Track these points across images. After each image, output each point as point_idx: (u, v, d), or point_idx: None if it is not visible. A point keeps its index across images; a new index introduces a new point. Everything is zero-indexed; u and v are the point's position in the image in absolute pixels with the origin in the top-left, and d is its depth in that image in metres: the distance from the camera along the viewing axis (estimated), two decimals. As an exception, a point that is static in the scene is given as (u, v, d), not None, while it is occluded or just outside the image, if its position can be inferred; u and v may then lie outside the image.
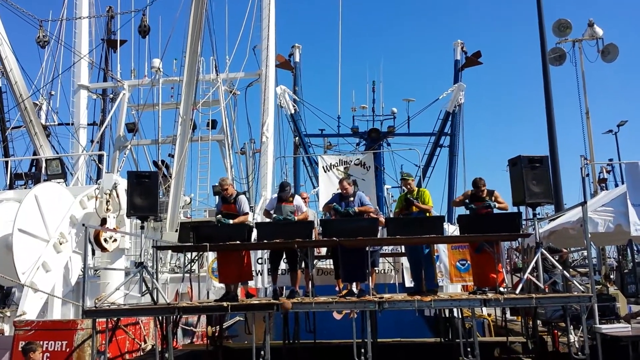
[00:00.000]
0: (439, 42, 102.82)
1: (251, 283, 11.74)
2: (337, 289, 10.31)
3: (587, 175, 20.69)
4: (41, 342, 8.76)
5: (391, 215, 13.04)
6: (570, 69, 20.20)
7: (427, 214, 9.84)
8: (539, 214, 9.36)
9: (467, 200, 9.55)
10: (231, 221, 9.48)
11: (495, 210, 9.38)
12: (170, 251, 15.14)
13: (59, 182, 13.85)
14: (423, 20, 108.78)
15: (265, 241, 9.17)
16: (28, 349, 8.23)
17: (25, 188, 19.42)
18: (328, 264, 11.42)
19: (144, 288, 9.23)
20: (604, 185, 26.01)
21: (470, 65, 26.57)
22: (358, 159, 16.85)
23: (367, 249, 8.88)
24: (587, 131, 19.62)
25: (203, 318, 12.92)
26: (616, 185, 23.53)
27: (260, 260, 12.22)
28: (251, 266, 10.12)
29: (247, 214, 9.82)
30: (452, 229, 12.66)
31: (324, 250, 10.94)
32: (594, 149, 19.63)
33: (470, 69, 26.76)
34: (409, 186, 10.00)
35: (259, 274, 12.29)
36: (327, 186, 15.86)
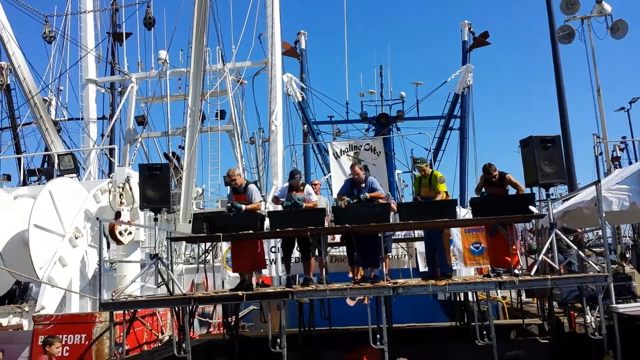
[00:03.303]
0: (446, 23, 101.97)
1: (265, 272, 11.80)
2: (350, 275, 10.33)
3: (600, 153, 20.52)
4: (60, 336, 8.88)
5: (403, 200, 13.00)
6: (580, 46, 19.93)
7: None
8: (552, 194, 9.31)
9: (483, 190, 9.53)
10: (244, 206, 9.48)
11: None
12: (184, 242, 15.25)
13: (72, 177, 13.93)
14: (430, 1, 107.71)
15: (278, 229, 9.19)
16: (45, 342, 8.47)
17: (38, 184, 19.55)
18: (341, 251, 11.43)
19: (159, 279, 9.30)
20: (617, 163, 25.71)
21: (478, 46, 26.27)
22: (368, 143, 16.81)
23: (380, 234, 8.88)
24: (599, 109, 19.36)
25: (219, 308, 13.01)
26: (630, 163, 23.28)
27: (273, 249, 12.26)
28: (264, 255, 10.14)
29: (260, 201, 9.83)
30: (464, 212, 12.63)
31: (337, 238, 10.95)
32: (606, 127, 19.39)
33: (479, 49, 26.49)
34: (423, 172, 10.01)
35: (273, 263, 12.35)
36: (339, 173, 15.86)
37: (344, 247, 10.46)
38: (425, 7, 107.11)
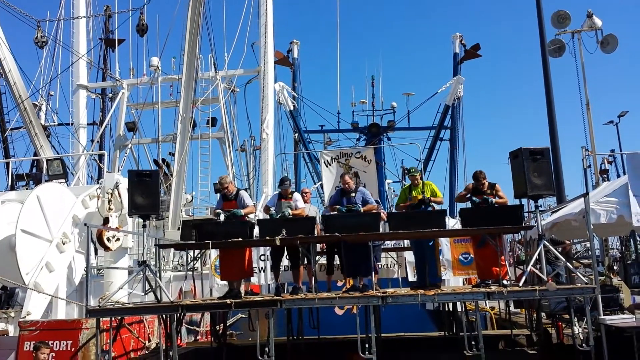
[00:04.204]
0: (437, 35, 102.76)
1: (254, 280, 11.76)
2: (339, 284, 10.31)
3: (589, 166, 20.68)
4: (47, 342, 8.81)
5: (393, 210, 13.03)
6: (570, 60, 20.14)
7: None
8: (541, 206, 9.34)
9: (469, 195, 9.56)
10: (242, 211, 9.45)
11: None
12: (172, 249, 15.16)
13: (60, 182, 13.84)
14: (421, 13, 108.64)
15: (267, 237, 9.16)
16: (34, 347, 8.58)
17: (26, 189, 19.41)
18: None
19: (147, 286, 9.23)
20: (605, 176, 26.02)
21: (469, 58, 26.47)
22: (359, 152, 16.87)
23: (369, 243, 8.88)
24: (588, 122, 19.55)
25: (207, 316, 12.94)
26: (618, 176, 23.50)
27: (262, 257, 12.22)
28: (252, 263, 10.10)
29: (252, 205, 9.84)
30: (452, 223, 12.67)
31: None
32: (595, 140, 19.53)
33: (470, 61, 26.69)
34: (416, 181, 10.02)
35: (262, 271, 12.31)
36: (330, 181, 15.88)
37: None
38: (417, 17, 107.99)
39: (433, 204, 9.86)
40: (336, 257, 10.07)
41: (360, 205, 9.62)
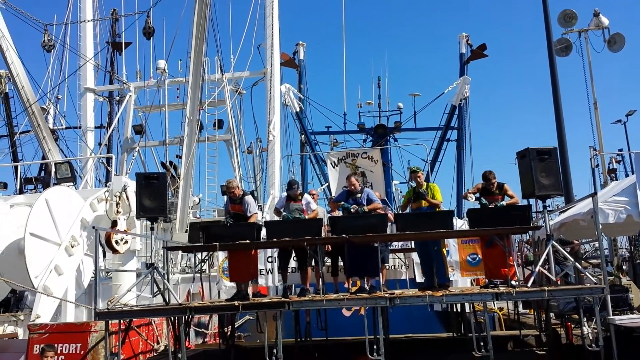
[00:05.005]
0: (444, 35, 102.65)
1: (262, 282, 11.77)
2: (347, 285, 10.29)
3: (597, 166, 20.56)
4: (56, 345, 8.85)
5: (399, 210, 13.01)
6: (577, 59, 20.02)
7: (437, 209, 9.85)
8: (549, 206, 9.30)
9: (477, 194, 9.53)
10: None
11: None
12: (180, 252, 15.18)
13: (68, 186, 13.91)
14: (427, 14, 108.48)
15: (275, 239, 9.17)
16: (41, 350, 8.61)
17: (35, 192, 19.53)
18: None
19: (155, 289, 9.26)
20: (613, 175, 25.84)
21: (476, 58, 26.42)
22: (365, 152, 16.88)
23: (376, 244, 8.87)
24: (596, 122, 19.43)
25: (215, 317, 12.96)
26: (626, 176, 23.33)
27: (270, 259, 12.23)
28: (257, 265, 10.11)
29: (255, 213, 9.85)
30: (460, 223, 12.63)
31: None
32: (603, 139, 19.41)
33: (476, 62, 26.62)
34: (418, 179, 10.00)
35: (269, 273, 12.32)
36: (338, 181, 15.90)
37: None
38: (423, 18, 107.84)
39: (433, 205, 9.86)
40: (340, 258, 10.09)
41: (365, 205, 9.63)
